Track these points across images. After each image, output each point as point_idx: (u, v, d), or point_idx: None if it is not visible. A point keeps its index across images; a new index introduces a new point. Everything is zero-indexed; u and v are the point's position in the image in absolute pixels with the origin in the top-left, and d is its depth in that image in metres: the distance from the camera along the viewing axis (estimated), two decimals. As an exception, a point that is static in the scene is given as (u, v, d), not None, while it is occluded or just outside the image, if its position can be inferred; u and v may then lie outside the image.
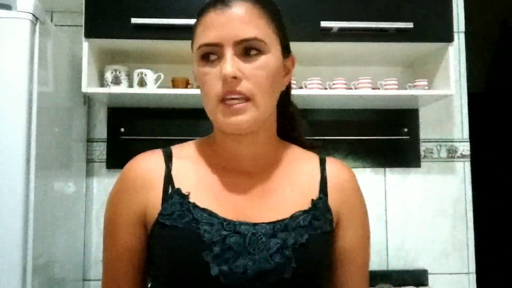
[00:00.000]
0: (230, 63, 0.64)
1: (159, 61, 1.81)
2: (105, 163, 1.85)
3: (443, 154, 1.94)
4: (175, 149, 0.77)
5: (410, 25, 1.59)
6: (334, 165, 0.78)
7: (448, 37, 1.64)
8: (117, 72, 1.67)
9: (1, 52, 1.23)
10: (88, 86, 1.57)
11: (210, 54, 0.67)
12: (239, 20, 0.66)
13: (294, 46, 0.77)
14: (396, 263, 1.88)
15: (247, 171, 0.74)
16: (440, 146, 1.94)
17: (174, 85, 1.73)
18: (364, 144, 1.89)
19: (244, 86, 0.65)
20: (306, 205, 0.71)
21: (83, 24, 1.56)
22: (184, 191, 0.70)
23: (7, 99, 1.23)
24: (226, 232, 0.66)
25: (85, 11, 1.55)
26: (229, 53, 0.65)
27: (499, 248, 2.79)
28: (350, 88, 1.71)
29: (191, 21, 0.71)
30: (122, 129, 1.84)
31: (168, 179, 0.71)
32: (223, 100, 0.66)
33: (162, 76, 1.70)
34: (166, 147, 0.77)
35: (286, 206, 0.71)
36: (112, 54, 1.75)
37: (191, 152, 0.77)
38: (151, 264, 0.73)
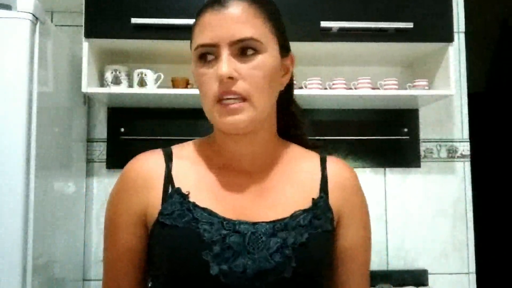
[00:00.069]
0: (226, 64, 0.65)
1: (159, 61, 1.81)
2: (105, 163, 1.85)
3: (443, 154, 1.94)
4: (175, 149, 0.77)
5: (410, 25, 1.59)
6: (335, 163, 0.78)
7: (448, 37, 1.64)
8: (117, 72, 1.67)
9: (1, 52, 1.23)
10: (88, 86, 1.57)
11: (207, 54, 0.68)
12: (235, 20, 0.66)
13: (294, 46, 0.77)
14: (396, 263, 1.88)
15: (246, 171, 0.74)
16: (440, 146, 1.94)
17: (174, 85, 1.73)
18: (364, 144, 1.89)
19: (240, 86, 0.65)
20: (306, 204, 0.71)
21: (83, 24, 1.56)
22: (184, 190, 0.70)
23: (7, 99, 1.23)
24: (226, 231, 0.66)
25: (85, 11, 1.56)
26: (225, 53, 0.65)
27: (499, 248, 2.78)
28: (350, 88, 1.71)
29: (191, 21, 0.71)
30: (122, 129, 1.84)
31: (168, 179, 0.71)
32: (219, 100, 0.66)
33: (162, 76, 1.70)
34: (166, 147, 0.77)
35: (286, 205, 0.71)
36: (112, 54, 1.75)
37: (191, 152, 0.77)
38: (152, 264, 0.73)
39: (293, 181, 0.74)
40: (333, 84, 1.71)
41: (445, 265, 1.89)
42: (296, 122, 0.84)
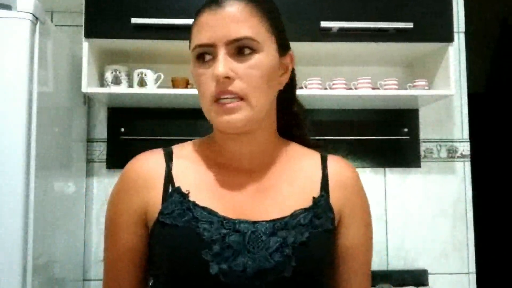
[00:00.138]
0: (223, 63, 0.65)
1: (159, 61, 1.81)
2: (105, 163, 1.85)
3: (443, 154, 1.94)
4: (176, 149, 0.77)
5: (410, 25, 1.59)
6: (336, 162, 0.78)
7: (448, 37, 1.64)
8: (117, 72, 1.67)
9: (1, 52, 1.23)
10: (88, 86, 1.57)
11: (205, 54, 0.68)
12: (231, 20, 0.66)
13: (294, 46, 0.77)
14: (396, 263, 1.88)
15: (246, 170, 0.74)
16: (440, 146, 1.94)
17: (174, 85, 1.73)
18: (364, 144, 1.89)
19: (237, 86, 0.66)
20: (307, 203, 0.71)
21: (83, 24, 1.56)
22: (184, 190, 0.70)
23: (7, 99, 1.23)
24: (225, 230, 0.66)
25: (85, 11, 1.56)
26: (221, 53, 0.66)
27: (499, 248, 2.79)
28: (350, 88, 1.71)
29: (191, 21, 0.71)
30: (122, 129, 1.84)
31: (169, 178, 0.72)
32: (217, 100, 0.66)
33: (162, 76, 1.70)
34: (167, 146, 0.77)
35: (286, 204, 0.71)
36: (112, 54, 1.75)
37: (191, 152, 0.77)
38: (152, 263, 0.73)
39: (293, 180, 0.74)
40: (333, 84, 1.71)
41: (445, 265, 1.89)
42: (298, 122, 0.83)
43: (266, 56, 0.68)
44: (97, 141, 1.87)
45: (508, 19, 2.96)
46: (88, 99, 1.84)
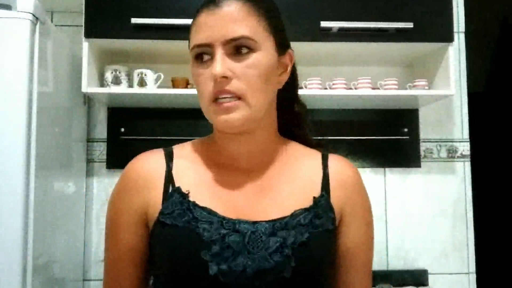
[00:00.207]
0: (220, 63, 0.65)
1: (159, 61, 1.81)
2: (105, 163, 1.85)
3: (443, 154, 1.94)
4: (176, 149, 0.77)
5: (410, 25, 1.59)
6: (337, 161, 0.78)
7: (448, 37, 1.64)
8: (117, 72, 1.67)
9: (1, 52, 1.23)
10: (88, 86, 1.57)
11: (203, 54, 0.68)
12: (229, 19, 0.66)
13: (294, 46, 0.77)
14: (396, 263, 1.88)
15: (246, 170, 0.74)
16: (440, 146, 1.94)
17: (174, 85, 1.73)
18: (364, 144, 1.89)
19: (234, 85, 0.66)
20: (307, 203, 0.71)
21: (83, 24, 1.56)
22: (184, 189, 0.70)
23: (7, 99, 1.23)
24: (225, 230, 0.66)
25: (85, 11, 1.55)
26: (219, 52, 0.66)
27: (499, 248, 2.78)
28: (350, 88, 1.71)
29: (191, 21, 0.71)
30: (122, 129, 1.84)
31: (169, 178, 0.72)
32: (215, 99, 0.67)
33: (162, 76, 1.70)
34: (167, 146, 0.77)
35: (287, 204, 0.71)
36: (112, 54, 1.75)
37: (192, 151, 0.77)
38: (152, 263, 0.73)
39: (294, 180, 0.74)
40: (333, 84, 1.71)
41: (445, 265, 1.89)
42: (299, 122, 0.83)
43: (264, 55, 0.68)
44: (97, 141, 1.87)
45: (508, 19, 2.96)
46: (88, 99, 1.84)
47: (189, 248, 0.65)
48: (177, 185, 0.71)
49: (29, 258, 1.22)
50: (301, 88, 1.70)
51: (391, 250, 1.89)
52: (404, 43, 1.64)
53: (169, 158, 0.74)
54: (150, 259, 0.73)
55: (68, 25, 1.87)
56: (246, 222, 0.67)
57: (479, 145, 2.14)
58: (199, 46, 0.68)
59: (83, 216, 1.80)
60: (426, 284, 1.83)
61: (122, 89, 1.66)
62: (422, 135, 1.93)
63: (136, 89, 1.64)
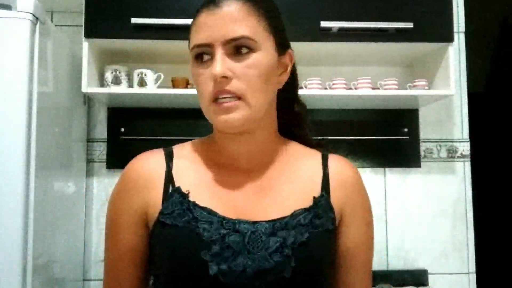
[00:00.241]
0: (220, 63, 0.65)
1: (159, 61, 1.81)
2: (105, 163, 1.85)
3: (443, 154, 1.94)
4: (176, 149, 0.77)
5: (410, 25, 1.59)
6: (337, 161, 0.78)
7: (448, 37, 1.64)
8: (117, 72, 1.67)
9: (1, 52, 1.23)
10: (88, 86, 1.57)
11: (203, 54, 0.68)
12: (228, 19, 0.66)
13: (294, 46, 0.77)
14: (396, 263, 1.88)
15: (246, 169, 0.74)
16: (440, 146, 1.94)
17: (174, 85, 1.73)
18: (364, 144, 1.89)
19: (234, 85, 0.66)
20: (307, 202, 0.71)
21: (83, 24, 1.56)
22: (184, 190, 0.70)
23: (7, 99, 1.23)
24: (225, 230, 0.66)
25: (85, 11, 1.55)
26: (219, 53, 0.66)
27: (499, 248, 2.78)
28: (350, 88, 1.71)
29: (191, 21, 0.71)
30: (122, 129, 1.84)
31: (169, 178, 0.72)
32: (215, 99, 0.67)
33: (162, 76, 1.70)
34: (166, 147, 0.77)
35: (287, 204, 0.71)
36: (112, 54, 1.75)
37: (192, 151, 0.77)
38: (152, 263, 0.73)
39: (294, 180, 0.74)
40: (333, 84, 1.71)
41: (445, 265, 1.89)
42: (300, 122, 0.83)
43: (263, 55, 0.68)
44: (97, 141, 1.87)
45: (508, 19, 2.96)
46: (88, 99, 1.84)
47: (189, 248, 0.65)
48: (177, 185, 0.71)
49: (29, 258, 1.22)
50: (301, 88, 1.70)
51: (391, 250, 1.89)
52: (404, 43, 1.64)
53: (169, 158, 0.74)
54: (150, 259, 0.73)
55: (68, 25, 1.87)
56: (246, 222, 0.67)
57: (479, 145, 2.14)
58: (199, 46, 0.68)
59: (83, 216, 1.80)
60: (426, 284, 1.84)
61: (122, 89, 1.66)
62: (422, 135, 1.93)
63: (136, 89, 1.64)
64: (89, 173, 1.85)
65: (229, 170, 0.74)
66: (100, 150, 1.86)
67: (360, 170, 0.81)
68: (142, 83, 1.65)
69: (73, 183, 1.69)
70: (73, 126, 1.69)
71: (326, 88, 1.72)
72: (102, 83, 1.71)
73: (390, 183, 1.92)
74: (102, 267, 0.76)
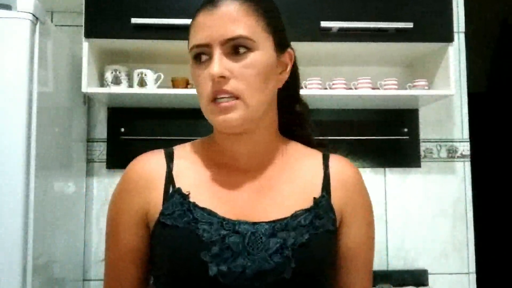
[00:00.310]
0: (218, 63, 0.65)
1: (159, 61, 1.81)
2: (105, 163, 1.85)
3: (443, 154, 1.94)
4: (177, 150, 0.77)
5: (409, 25, 1.59)
6: (337, 161, 0.78)
7: (448, 37, 1.64)
8: (117, 72, 1.67)
9: (1, 52, 1.23)
10: (88, 86, 1.57)
11: (202, 54, 0.68)
12: (226, 19, 0.66)
13: (294, 46, 0.77)
14: (396, 263, 1.88)
15: (247, 170, 0.74)
16: (440, 146, 1.94)
17: (174, 85, 1.73)
18: (364, 144, 1.89)
19: (232, 85, 0.66)
20: (308, 203, 0.71)
21: (83, 24, 1.56)
22: (184, 190, 0.70)
23: (7, 99, 1.23)
24: (225, 231, 0.66)
25: (85, 11, 1.55)
26: (217, 52, 0.66)
27: (499, 248, 2.79)
28: (350, 88, 1.71)
29: (190, 22, 0.71)
30: (122, 129, 1.84)
31: (169, 179, 0.72)
32: (213, 99, 0.67)
33: (162, 76, 1.70)
34: (167, 147, 0.77)
35: (287, 204, 0.71)
36: (112, 54, 1.75)
37: (192, 152, 0.77)
38: (153, 264, 0.73)
39: (294, 180, 0.74)
40: (333, 84, 1.71)
41: (445, 265, 1.89)
42: (301, 122, 0.83)
43: (262, 54, 0.68)
44: (97, 141, 1.87)
45: (508, 19, 2.96)
46: (88, 99, 1.84)
47: (189, 249, 0.65)
48: (177, 185, 0.71)
49: (29, 258, 1.22)
50: (301, 88, 1.69)
51: (391, 250, 1.89)
52: (404, 43, 1.64)
53: (169, 158, 0.74)
54: (151, 260, 0.73)
55: (68, 25, 1.87)
56: (246, 223, 0.67)
57: (479, 145, 2.14)
58: (197, 46, 0.68)
59: (83, 216, 1.80)
60: (426, 284, 1.84)
61: (122, 89, 1.66)
62: (422, 135, 1.93)
63: (136, 89, 1.64)
64: (89, 173, 1.85)
65: (230, 170, 0.74)
66: (100, 150, 1.86)
67: (360, 170, 0.81)
68: (142, 83, 1.65)
69: (73, 183, 1.69)
70: (73, 126, 1.69)
71: (326, 88, 1.72)
72: (102, 83, 1.71)
73: (390, 183, 1.92)
74: (102, 267, 0.76)
